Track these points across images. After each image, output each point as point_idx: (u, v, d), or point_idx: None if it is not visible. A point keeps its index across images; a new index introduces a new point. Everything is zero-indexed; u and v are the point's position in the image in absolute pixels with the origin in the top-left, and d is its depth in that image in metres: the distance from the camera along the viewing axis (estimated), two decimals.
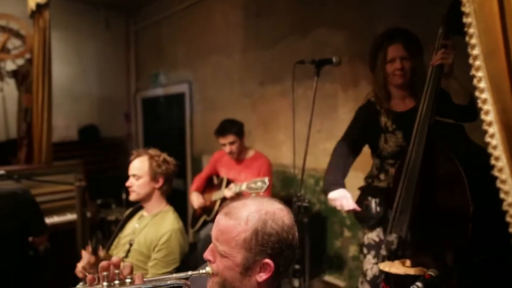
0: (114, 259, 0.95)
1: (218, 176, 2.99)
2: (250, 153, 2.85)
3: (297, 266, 2.98)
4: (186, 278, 1.03)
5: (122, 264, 0.97)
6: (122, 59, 5.32)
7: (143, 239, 1.90)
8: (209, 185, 3.03)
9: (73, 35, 4.82)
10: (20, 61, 4.24)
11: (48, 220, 2.94)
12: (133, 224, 2.05)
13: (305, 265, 2.20)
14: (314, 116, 3.52)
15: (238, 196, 2.36)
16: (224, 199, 2.63)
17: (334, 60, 1.90)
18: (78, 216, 2.79)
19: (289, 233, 0.97)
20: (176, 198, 2.41)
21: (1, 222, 2.19)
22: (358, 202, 2.05)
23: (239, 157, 2.81)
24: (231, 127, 2.72)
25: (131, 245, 1.93)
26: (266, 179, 2.29)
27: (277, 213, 0.98)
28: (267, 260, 0.95)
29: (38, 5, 3.03)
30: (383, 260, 1.91)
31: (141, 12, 5.27)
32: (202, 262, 1.09)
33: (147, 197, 1.95)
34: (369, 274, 2.02)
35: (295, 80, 1.93)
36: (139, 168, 1.93)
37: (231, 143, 2.71)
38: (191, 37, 4.54)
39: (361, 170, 2.82)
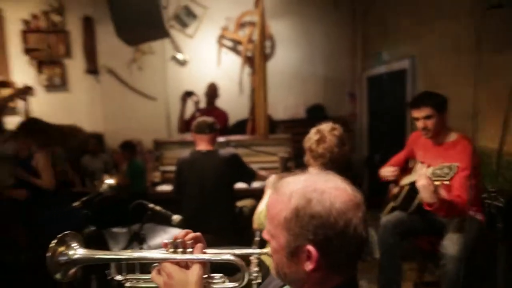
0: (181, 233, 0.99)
1: (415, 159, 2.64)
2: (452, 136, 2.36)
3: None
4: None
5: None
6: (348, 39, 5.35)
7: None
8: (406, 169, 2.73)
9: (302, 21, 5.23)
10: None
11: (256, 184, 3.42)
12: None
13: (496, 282, 1.67)
14: None
15: (429, 181, 2.02)
16: (413, 185, 2.32)
17: None
18: None
19: (339, 218, 0.79)
20: None
21: (220, 178, 2.78)
22: None
23: (437, 138, 2.38)
24: (428, 99, 2.32)
25: None
26: (455, 166, 1.87)
27: (327, 192, 0.81)
28: (309, 247, 0.80)
29: None
30: None
31: None
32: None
33: None
34: None
35: None
36: None
37: (426, 118, 2.31)
38: (415, 5, 4.08)
39: None
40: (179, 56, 5.04)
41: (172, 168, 3.55)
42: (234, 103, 5.01)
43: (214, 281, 0.98)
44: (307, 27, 5.23)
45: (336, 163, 1.93)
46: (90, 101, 5.07)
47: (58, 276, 0.92)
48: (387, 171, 2.57)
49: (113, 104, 5.07)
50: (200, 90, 4.43)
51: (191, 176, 2.80)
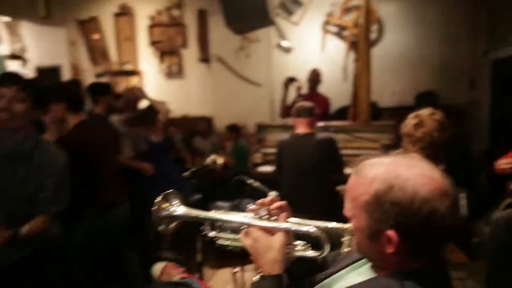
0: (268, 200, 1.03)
1: None
2: None
3: None
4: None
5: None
6: (468, 18, 4.79)
7: None
8: None
9: (411, 5, 4.91)
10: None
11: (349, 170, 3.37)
12: None
13: None
14: None
15: None
16: None
17: None
18: None
19: (422, 206, 0.76)
20: None
21: (317, 160, 2.82)
22: None
23: None
24: None
25: None
26: None
27: (411, 179, 0.78)
28: (390, 232, 0.79)
29: None
30: None
31: None
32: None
33: None
34: None
35: None
36: None
37: None
38: None
39: None
40: (284, 43, 5.16)
41: (273, 150, 3.71)
42: (337, 89, 4.94)
43: (296, 248, 1.04)
44: (418, 8, 4.88)
45: (437, 149, 1.81)
46: (202, 87, 5.53)
47: (160, 228, 1.09)
48: (503, 163, 2.31)
49: (222, 90, 5.45)
50: (304, 76, 4.48)
51: (289, 157, 2.91)
